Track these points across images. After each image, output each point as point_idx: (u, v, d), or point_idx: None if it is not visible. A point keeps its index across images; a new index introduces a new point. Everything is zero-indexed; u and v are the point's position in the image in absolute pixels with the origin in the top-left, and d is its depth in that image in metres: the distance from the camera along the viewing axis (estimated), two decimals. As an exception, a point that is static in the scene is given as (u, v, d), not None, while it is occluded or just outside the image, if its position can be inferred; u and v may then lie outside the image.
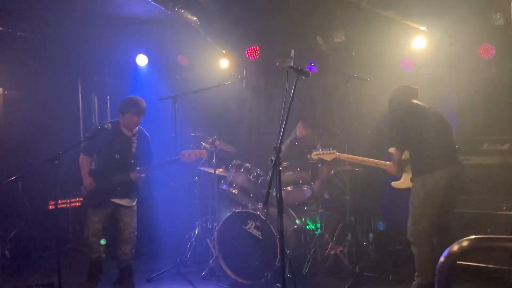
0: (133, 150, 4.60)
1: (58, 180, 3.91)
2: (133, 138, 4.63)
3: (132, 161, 4.56)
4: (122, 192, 4.52)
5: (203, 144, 5.40)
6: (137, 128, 4.68)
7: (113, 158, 4.53)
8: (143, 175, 4.55)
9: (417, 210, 4.02)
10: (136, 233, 4.69)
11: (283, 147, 5.29)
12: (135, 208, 4.68)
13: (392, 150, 4.23)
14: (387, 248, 5.50)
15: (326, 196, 5.31)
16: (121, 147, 4.56)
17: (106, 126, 4.38)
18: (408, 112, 4.21)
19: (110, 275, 4.75)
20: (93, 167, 4.64)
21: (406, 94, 4.33)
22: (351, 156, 4.58)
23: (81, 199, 4.65)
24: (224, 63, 6.51)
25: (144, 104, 4.62)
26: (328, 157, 4.66)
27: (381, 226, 5.80)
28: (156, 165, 4.65)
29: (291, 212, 5.02)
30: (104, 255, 4.65)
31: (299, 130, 5.61)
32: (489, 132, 4.92)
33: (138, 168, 4.53)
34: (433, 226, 4.00)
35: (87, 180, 4.54)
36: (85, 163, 4.59)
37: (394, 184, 4.36)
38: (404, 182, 4.28)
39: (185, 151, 4.51)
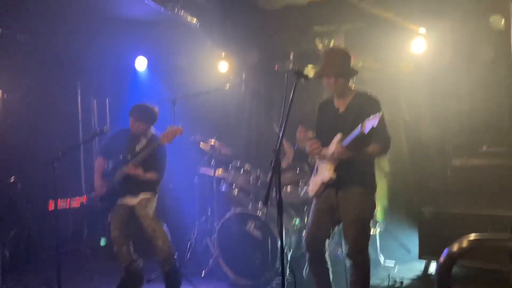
0: (137, 148, 4.36)
1: (57, 182, 3.92)
2: (142, 138, 4.40)
3: (130, 158, 4.28)
4: (125, 190, 4.28)
5: (202, 145, 5.41)
6: (152, 132, 4.46)
7: (118, 158, 4.37)
8: (138, 172, 4.19)
9: (368, 225, 3.55)
10: (155, 229, 4.36)
11: (285, 164, 5.22)
12: (145, 201, 4.32)
13: (373, 147, 3.33)
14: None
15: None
16: (127, 147, 4.38)
17: (104, 130, 4.32)
18: None
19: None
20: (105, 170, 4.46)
21: None
22: None
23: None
24: (223, 66, 6.49)
25: (150, 111, 4.38)
26: None
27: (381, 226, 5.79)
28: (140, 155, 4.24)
29: (291, 212, 5.03)
30: (138, 261, 4.45)
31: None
32: (488, 134, 4.93)
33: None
34: None
35: (97, 184, 4.39)
36: (99, 166, 4.44)
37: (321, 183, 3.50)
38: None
39: (163, 133, 4.17)
